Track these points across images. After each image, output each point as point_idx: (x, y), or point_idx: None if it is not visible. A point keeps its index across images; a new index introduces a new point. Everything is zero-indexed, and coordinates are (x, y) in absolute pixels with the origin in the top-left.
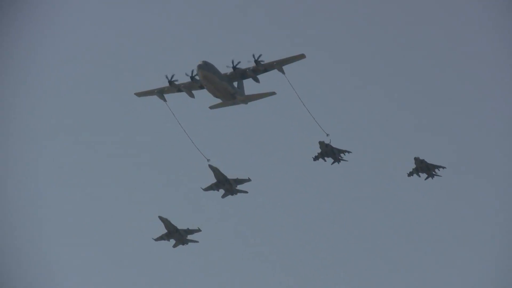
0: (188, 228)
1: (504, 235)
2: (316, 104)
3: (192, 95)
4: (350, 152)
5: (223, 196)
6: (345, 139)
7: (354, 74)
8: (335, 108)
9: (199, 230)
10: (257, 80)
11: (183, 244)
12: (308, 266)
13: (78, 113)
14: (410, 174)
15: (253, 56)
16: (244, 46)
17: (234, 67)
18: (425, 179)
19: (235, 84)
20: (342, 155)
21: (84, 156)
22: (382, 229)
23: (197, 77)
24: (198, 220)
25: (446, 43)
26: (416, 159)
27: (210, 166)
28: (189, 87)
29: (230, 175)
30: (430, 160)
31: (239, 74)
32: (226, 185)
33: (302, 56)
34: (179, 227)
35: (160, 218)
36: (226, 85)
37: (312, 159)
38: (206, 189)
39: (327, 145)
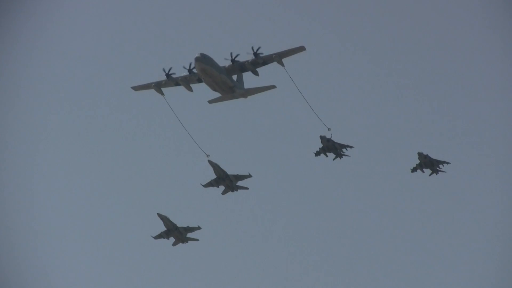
0: (188, 226)
1: (510, 232)
2: (317, 97)
3: (190, 89)
4: (352, 147)
5: (223, 193)
6: (347, 134)
7: (356, 66)
8: (337, 102)
9: (199, 228)
10: (256, 73)
11: (183, 243)
12: (310, 263)
13: (74, 108)
14: (414, 169)
15: (252, 48)
16: (243, 38)
17: (232, 60)
18: (429, 175)
19: (234, 77)
20: (344, 150)
21: (81, 152)
22: (384, 226)
23: (194, 70)
24: (198, 218)
25: (450, 36)
26: (420, 154)
27: (209, 162)
28: (187, 81)
29: (230, 171)
30: (434, 155)
31: (238, 67)
32: (226, 181)
33: (302, 49)
34: (178, 225)
35: (159, 215)
36: (224, 78)
37: (314, 154)
38: (206, 186)
39: (329, 140)
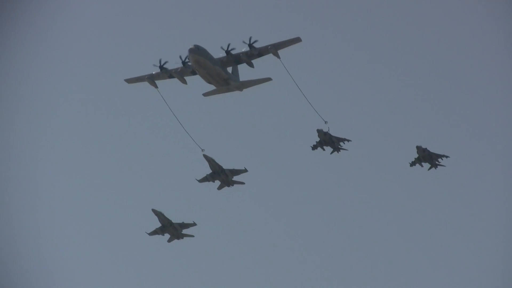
0: (183, 222)
1: (509, 225)
2: (314, 90)
3: (184, 81)
4: (350, 140)
5: (219, 188)
6: (345, 127)
7: (353, 59)
8: (334, 95)
9: (194, 224)
10: (251, 65)
11: (178, 239)
12: (307, 257)
13: (66, 102)
14: (413, 164)
15: (249, 39)
16: (238, 30)
17: (227, 52)
18: (428, 169)
19: (230, 70)
20: (341, 143)
21: (75, 148)
22: (382, 220)
23: (189, 62)
24: (194, 213)
25: (445, 27)
26: (419, 147)
27: (204, 156)
28: (181, 73)
29: (226, 165)
30: (433, 149)
31: (233, 58)
32: (222, 176)
33: (297, 40)
34: (173, 221)
35: (154, 211)
36: (219, 70)
37: (311, 148)
38: (201, 180)
39: (326, 133)
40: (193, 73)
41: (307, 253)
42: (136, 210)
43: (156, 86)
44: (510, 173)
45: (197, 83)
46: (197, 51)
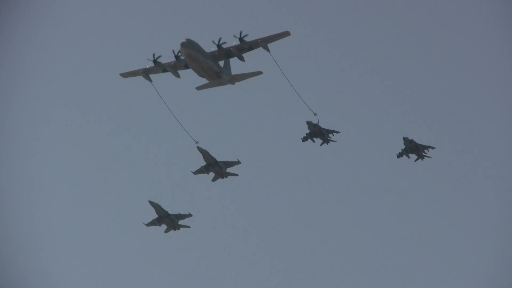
0: (179, 213)
1: (494, 216)
2: (304, 83)
3: (177, 75)
4: (339, 132)
5: (214, 179)
6: (334, 119)
7: (341, 52)
8: (323, 87)
9: (190, 215)
10: (242, 59)
11: (174, 230)
12: (298, 247)
13: (62, 95)
14: (400, 155)
15: (240, 33)
16: (229, 25)
17: (218, 45)
18: (415, 161)
19: (221, 64)
20: (330, 135)
21: (70, 140)
22: (370, 210)
23: (181, 56)
24: (189, 204)
25: (433, 21)
26: (405, 139)
27: (198, 148)
28: (174, 67)
29: (220, 157)
30: (419, 140)
31: (224, 52)
32: (215, 167)
33: (286, 34)
34: (170, 212)
35: (151, 202)
36: (211, 64)
37: (301, 140)
38: (196, 172)
39: (315, 125)
40: (186, 67)
41: (298, 241)
42: (133, 202)
43: (150, 80)
44: (495, 163)
45: (190, 77)
46: (189, 45)
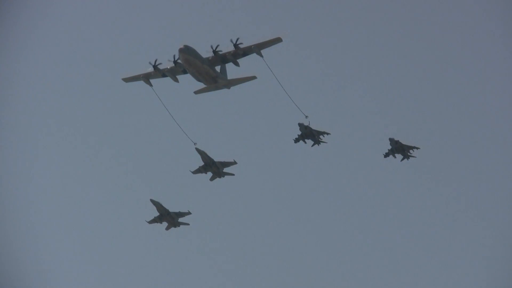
0: (179, 211)
1: (479, 212)
2: (295, 86)
3: (176, 80)
4: (329, 133)
5: (211, 179)
6: (324, 121)
7: (330, 57)
8: (314, 90)
9: (189, 213)
10: (237, 64)
11: (175, 227)
12: (291, 243)
13: (65, 100)
14: (386, 155)
15: (232, 40)
16: (225, 31)
17: (214, 51)
18: (401, 160)
19: (218, 69)
20: (321, 136)
21: (74, 144)
22: (359, 206)
23: (179, 61)
24: (189, 203)
25: (419, 26)
26: (391, 139)
27: (197, 149)
28: (173, 72)
29: (217, 158)
30: (404, 141)
31: (220, 58)
32: (213, 167)
33: (278, 40)
34: (170, 210)
35: (152, 201)
36: (207, 69)
37: (293, 141)
38: (195, 172)
39: (307, 127)
40: (184, 72)
41: (291, 237)
42: (136, 200)
43: (150, 84)
44: (480, 162)
45: (188, 82)
46: (187, 51)
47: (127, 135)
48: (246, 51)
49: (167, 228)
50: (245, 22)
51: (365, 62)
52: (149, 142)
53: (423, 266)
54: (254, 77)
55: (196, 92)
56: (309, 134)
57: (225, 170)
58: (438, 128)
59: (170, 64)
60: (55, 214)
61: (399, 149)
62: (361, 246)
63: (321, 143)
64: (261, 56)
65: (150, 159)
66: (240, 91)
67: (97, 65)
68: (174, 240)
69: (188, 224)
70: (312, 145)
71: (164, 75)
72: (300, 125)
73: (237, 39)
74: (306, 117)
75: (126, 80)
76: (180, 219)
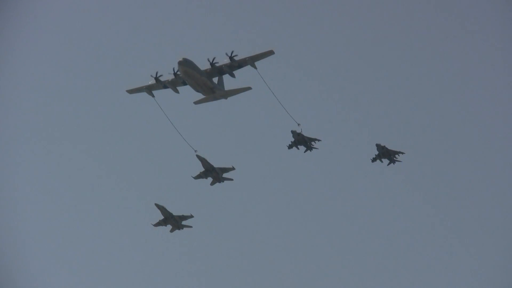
0: (182, 214)
1: (462, 213)
2: (288, 96)
3: (176, 91)
4: (320, 140)
5: (212, 184)
6: (315, 128)
7: (320, 68)
8: (305, 99)
9: (192, 216)
10: (233, 76)
11: (179, 229)
12: (286, 243)
13: (76, 108)
14: (374, 160)
15: (227, 53)
16: (221, 46)
17: (211, 64)
18: (388, 165)
19: (215, 80)
20: (313, 143)
21: (83, 153)
22: (348, 209)
23: (179, 73)
24: (191, 206)
25: (403, 38)
26: (378, 145)
27: (197, 156)
28: (174, 83)
29: (216, 164)
30: (390, 146)
31: (216, 70)
32: (213, 173)
33: (271, 52)
34: (174, 213)
35: (156, 205)
36: (205, 80)
37: (287, 147)
38: (196, 177)
39: (299, 134)
40: (184, 83)
41: (286, 238)
42: (141, 205)
43: (153, 96)
44: (463, 166)
45: (188, 93)
46: (185, 63)
47: (132, 143)
48: (241, 63)
49: (172, 231)
50: (240, 36)
51: (351, 73)
52: (153, 150)
53: (412, 267)
54: (249, 88)
55: (195, 103)
56: (301, 140)
57: (224, 175)
58: (421, 134)
59: (170, 76)
60: (66, 222)
61: (385, 154)
62: (352, 245)
63: (313, 149)
64: (255, 68)
65: (154, 165)
66: (237, 101)
67: (103, 78)
68: (178, 241)
69: (191, 226)
70: (305, 151)
71: (165, 87)
72: (293, 132)
73: (232, 52)
74: (299, 124)
75: (130, 91)
76: (184, 222)
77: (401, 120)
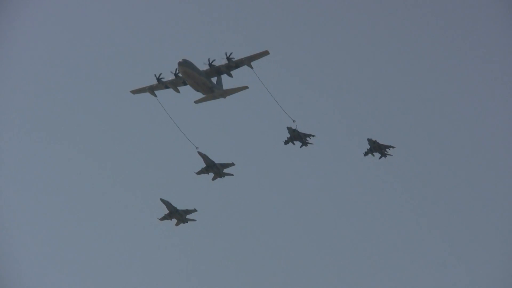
0: (186, 209)
1: (451, 206)
2: (283, 94)
3: (177, 91)
4: (314, 135)
5: (213, 179)
6: (310, 124)
7: (312, 66)
8: (299, 97)
9: (195, 210)
10: (230, 75)
11: (183, 223)
12: (284, 236)
13: (83, 109)
14: (366, 154)
15: (228, 54)
16: (218, 46)
17: (210, 64)
18: (379, 158)
19: (214, 80)
20: (308, 138)
21: (90, 150)
22: (341, 200)
23: (179, 74)
24: (194, 200)
25: (397, 36)
26: (369, 140)
27: (199, 153)
28: (174, 83)
29: (217, 160)
30: (381, 141)
31: (215, 70)
32: (214, 169)
33: (266, 53)
34: (178, 208)
35: (162, 200)
36: (204, 80)
37: (283, 143)
38: (198, 173)
39: (294, 130)
40: (184, 83)
41: (286, 228)
42: (147, 200)
43: (155, 95)
44: (448, 159)
45: (188, 93)
46: (185, 64)
47: (137, 142)
48: (238, 64)
49: (177, 224)
50: (236, 37)
51: (345, 69)
52: (157, 148)
53: (404, 260)
54: (246, 87)
55: (196, 102)
56: (297, 136)
57: (225, 171)
58: (411, 128)
59: (171, 76)
60: (76, 219)
61: (376, 148)
62: (349, 236)
63: (308, 144)
64: (251, 67)
65: (158, 162)
66: (235, 100)
67: (107, 80)
68: (182, 234)
69: (195, 220)
70: (300, 146)
71: (166, 87)
72: (289, 128)
73: (230, 54)
74: (294, 121)
75: (134, 92)
76: (188, 216)
77: (392, 115)
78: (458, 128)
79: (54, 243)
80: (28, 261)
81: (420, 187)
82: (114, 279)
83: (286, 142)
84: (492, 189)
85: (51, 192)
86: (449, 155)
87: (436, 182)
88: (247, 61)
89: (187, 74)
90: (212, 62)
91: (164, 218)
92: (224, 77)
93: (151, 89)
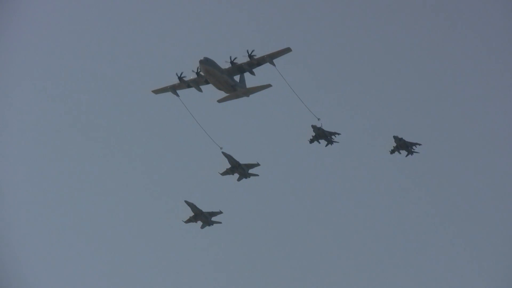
0: (212, 211)
1: (477, 205)
2: (306, 91)
3: (200, 90)
4: (339, 133)
5: (239, 179)
6: (335, 122)
7: (337, 63)
8: (324, 94)
9: (220, 212)
10: (252, 73)
11: (209, 226)
12: (309, 233)
13: (105, 109)
14: (392, 151)
15: (250, 51)
16: (241, 44)
17: (231, 62)
18: (406, 156)
19: (237, 78)
20: (333, 136)
21: (114, 154)
22: (369, 199)
23: (201, 72)
24: (219, 202)
25: (418, 29)
26: (395, 137)
27: (223, 153)
28: (196, 82)
29: (242, 160)
30: (408, 138)
31: (237, 68)
32: (239, 169)
33: (288, 50)
34: (203, 210)
35: (186, 202)
36: (226, 78)
37: (308, 142)
38: (223, 174)
39: (319, 128)
40: (206, 82)
41: (311, 230)
42: (172, 202)
43: (177, 95)
44: (478, 158)
45: (211, 92)
46: (206, 62)
47: (161, 143)
48: (260, 61)
49: (202, 227)
50: (258, 34)
51: (369, 66)
52: (180, 148)
53: (428, 263)
54: (269, 85)
55: (219, 101)
56: (322, 135)
57: (250, 171)
58: (438, 125)
59: (193, 75)
60: (105, 221)
61: (403, 145)
62: (377, 231)
63: (333, 142)
64: (274, 65)
65: (182, 164)
66: (258, 98)
67: (130, 80)
68: (208, 236)
69: (220, 222)
70: (326, 145)
71: (188, 86)
72: (313, 127)
73: (252, 51)
74: (318, 119)
75: (156, 92)
76: (213, 218)
77: (419, 111)
78: (485, 125)
79: (79, 247)
80: (50, 264)
81: (448, 185)
82: (140, 283)
83: (311, 141)
84: None
85: (73, 196)
86: (476, 152)
87: (464, 180)
88: (269, 58)
89: (208, 72)
90: (233, 60)
91: (189, 220)
92: (247, 75)
93: (173, 89)
